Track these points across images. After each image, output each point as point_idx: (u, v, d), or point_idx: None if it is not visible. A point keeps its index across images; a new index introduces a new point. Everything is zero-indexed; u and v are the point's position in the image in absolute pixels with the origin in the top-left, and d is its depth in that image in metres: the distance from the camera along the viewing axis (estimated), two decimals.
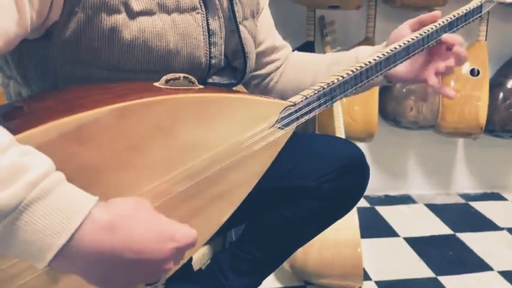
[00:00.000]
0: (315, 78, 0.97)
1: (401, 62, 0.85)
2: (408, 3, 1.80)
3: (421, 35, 0.85)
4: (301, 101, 0.71)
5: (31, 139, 0.48)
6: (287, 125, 0.70)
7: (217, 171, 0.64)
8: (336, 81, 0.75)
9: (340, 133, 1.68)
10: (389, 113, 1.95)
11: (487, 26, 1.94)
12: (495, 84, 2.01)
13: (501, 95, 2.00)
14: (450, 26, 0.89)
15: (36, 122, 0.50)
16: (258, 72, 1.00)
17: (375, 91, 1.87)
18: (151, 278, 0.51)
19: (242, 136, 0.65)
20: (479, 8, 0.94)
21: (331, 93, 0.75)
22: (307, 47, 1.80)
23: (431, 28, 0.86)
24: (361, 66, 0.78)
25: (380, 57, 0.81)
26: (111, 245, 0.47)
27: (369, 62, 0.80)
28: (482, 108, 1.92)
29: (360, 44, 1.81)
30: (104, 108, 0.53)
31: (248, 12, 0.86)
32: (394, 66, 0.84)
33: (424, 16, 0.90)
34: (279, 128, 0.69)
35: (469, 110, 1.92)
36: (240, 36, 0.81)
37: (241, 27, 0.82)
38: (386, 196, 2.21)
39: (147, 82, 0.65)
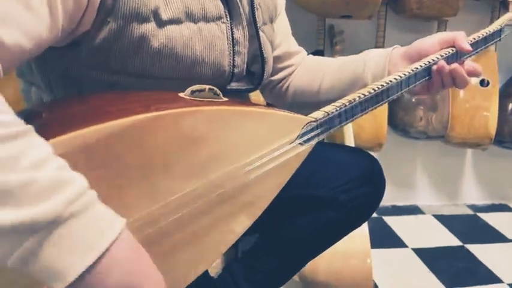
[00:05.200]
0: (322, 79, 0.96)
1: (421, 83, 0.84)
2: (418, 14, 1.80)
3: (442, 56, 0.84)
4: (323, 117, 0.71)
5: (58, 146, 0.48)
6: (308, 141, 0.69)
7: (237, 184, 0.64)
8: (357, 98, 0.75)
9: (350, 142, 1.68)
10: (398, 122, 1.95)
11: None
12: (504, 95, 2.01)
13: (510, 105, 2.00)
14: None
15: (63, 129, 0.50)
16: (272, 78, 0.99)
17: None
18: None
19: (264, 150, 0.65)
20: (498, 32, 0.93)
21: (352, 111, 0.74)
22: (316, 55, 1.80)
23: (452, 50, 0.85)
24: (382, 85, 0.78)
25: (401, 77, 0.80)
26: (134, 270, 0.48)
27: (390, 81, 0.79)
28: (492, 119, 1.91)
29: None
30: (131, 118, 0.53)
31: (267, 18, 0.86)
32: (415, 85, 0.83)
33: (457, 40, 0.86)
34: (299, 143, 0.69)
35: (478, 120, 1.92)
36: (259, 42, 0.81)
37: (260, 33, 0.82)
38: (394, 206, 2.20)
39: (172, 92, 0.65)
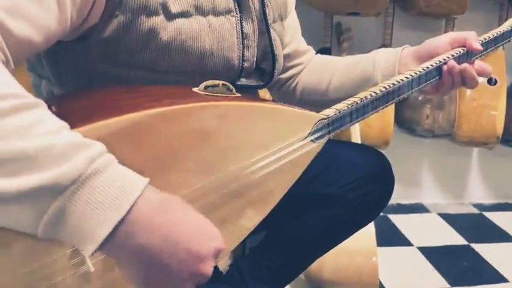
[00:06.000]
0: (331, 78, 0.96)
1: (431, 83, 0.83)
2: (426, 11, 1.79)
3: (453, 55, 0.83)
4: (335, 114, 0.71)
5: None
6: (319, 138, 0.70)
7: (249, 180, 0.64)
8: (369, 96, 0.75)
9: (356, 140, 1.68)
10: (405, 120, 1.94)
11: None
12: None
13: None
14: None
15: (73, 123, 0.50)
16: (280, 76, 0.99)
17: None
18: (188, 280, 0.49)
19: (276, 146, 0.65)
20: (509, 33, 0.92)
21: (363, 109, 0.74)
22: (323, 53, 1.77)
23: (462, 50, 0.84)
24: (393, 84, 0.78)
25: (412, 76, 0.80)
26: (162, 224, 0.47)
27: (401, 79, 0.79)
28: (499, 117, 1.90)
29: None
30: (144, 112, 0.53)
31: (277, 15, 0.86)
32: (426, 85, 0.82)
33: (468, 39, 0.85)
34: (311, 140, 0.69)
35: (485, 119, 1.91)
36: (270, 38, 0.81)
37: (270, 29, 0.81)
38: (399, 204, 2.19)
39: (185, 87, 0.65)
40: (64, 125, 0.46)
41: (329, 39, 1.83)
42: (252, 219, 0.69)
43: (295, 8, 0.99)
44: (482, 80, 1.92)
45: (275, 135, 0.65)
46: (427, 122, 1.92)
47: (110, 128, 0.51)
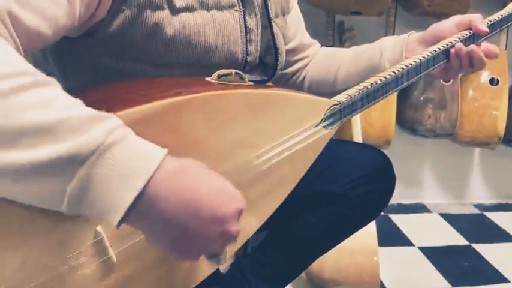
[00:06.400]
0: (338, 69, 0.96)
1: (439, 66, 0.84)
2: (429, 11, 1.79)
3: (459, 38, 0.84)
4: (346, 100, 0.71)
5: None
6: (331, 124, 0.70)
7: (262, 168, 0.64)
8: (379, 81, 0.75)
9: (358, 139, 1.67)
10: (406, 120, 1.94)
11: (507, 35, 1.93)
12: None
13: None
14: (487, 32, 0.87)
15: None
16: (287, 70, 1.00)
17: (393, 98, 1.86)
18: (216, 241, 0.50)
19: (289, 133, 0.65)
20: (510, 16, 0.93)
21: (374, 94, 0.75)
22: None
23: (469, 33, 0.85)
24: (402, 68, 0.78)
25: (420, 60, 0.80)
26: (183, 188, 0.47)
27: (410, 63, 0.79)
28: (501, 117, 1.90)
29: None
30: (160, 102, 0.53)
31: (279, 10, 0.87)
32: (434, 68, 0.83)
33: (473, 21, 0.86)
34: (323, 127, 0.69)
35: (487, 119, 1.91)
36: (272, 33, 0.81)
37: (273, 24, 0.82)
38: (400, 204, 2.19)
39: (199, 77, 0.66)
40: (79, 101, 0.47)
41: (331, 39, 1.83)
42: (265, 209, 0.69)
43: None
44: (484, 80, 1.93)
45: (288, 122, 0.66)
46: (429, 121, 1.92)
47: (129, 117, 0.51)
